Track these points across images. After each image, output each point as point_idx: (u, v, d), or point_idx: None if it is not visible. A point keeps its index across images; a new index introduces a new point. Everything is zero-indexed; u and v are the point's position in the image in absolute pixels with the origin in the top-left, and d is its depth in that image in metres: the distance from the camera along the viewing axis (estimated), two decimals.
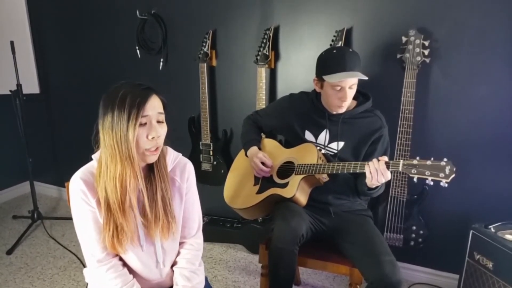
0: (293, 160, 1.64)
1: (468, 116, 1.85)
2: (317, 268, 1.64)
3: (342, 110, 1.58)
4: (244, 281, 2.13)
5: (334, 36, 1.91)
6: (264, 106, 2.08)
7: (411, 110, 1.77)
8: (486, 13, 1.71)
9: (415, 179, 1.32)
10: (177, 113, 2.46)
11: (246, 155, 1.80)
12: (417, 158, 1.32)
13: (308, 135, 1.67)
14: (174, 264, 1.22)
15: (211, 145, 2.36)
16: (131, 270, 1.15)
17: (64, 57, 2.86)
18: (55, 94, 2.99)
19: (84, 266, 2.11)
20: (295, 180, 1.57)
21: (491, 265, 1.63)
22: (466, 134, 1.86)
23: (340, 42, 1.88)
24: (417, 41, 1.74)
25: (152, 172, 1.10)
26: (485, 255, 1.65)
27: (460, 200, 1.93)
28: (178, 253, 1.22)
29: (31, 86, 2.70)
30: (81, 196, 1.04)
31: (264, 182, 1.70)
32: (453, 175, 1.25)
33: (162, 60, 2.46)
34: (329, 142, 1.63)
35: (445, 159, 1.27)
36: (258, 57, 2.07)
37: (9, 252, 2.38)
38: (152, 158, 1.05)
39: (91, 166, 1.09)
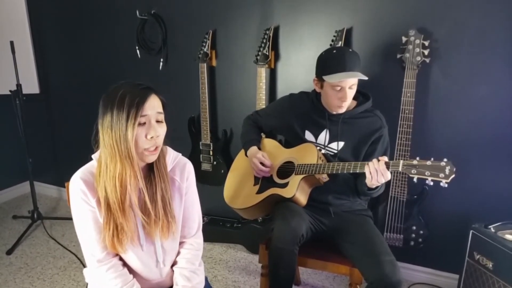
0: (293, 160, 1.64)
1: (468, 116, 1.85)
2: (317, 268, 1.64)
3: (342, 110, 1.58)
4: (244, 281, 2.13)
5: (334, 36, 1.91)
6: (264, 106, 2.08)
7: (411, 110, 1.77)
8: (486, 13, 1.71)
9: (415, 179, 1.32)
10: (177, 113, 2.46)
11: (246, 155, 1.80)
12: (417, 158, 1.32)
13: (308, 135, 1.67)
14: (174, 264, 1.22)
15: (211, 145, 2.36)
16: (131, 270, 1.15)
17: (64, 57, 2.86)
18: (55, 94, 2.99)
19: (84, 266, 2.11)
20: (295, 180, 1.57)
21: (491, 265, 1.63)
22: (466, 134, 1.86)
23: (340, 42, 1.88)
24: (417, 41, 1.74)
25: (152, 172, 1.10)
26: (485, 255, 1.65)
27: (460, 200, 1.93)
28: (178, 253, 1.22)
29: (31, 86, 2.70)
30: (81, 196, 1.04)
31: (264, 182, 1.70)
32: (453, 176, 1.25)
33: (162, 60, 2.46)
34: (329, 142, 1.63)
35: (445, 159, 1.27)
36: (258, 57, 2.07)
37: (9, 252, 2.38)
38: (151, 158, 1.05)
39: (91, 166, 1.09)
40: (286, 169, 1.66)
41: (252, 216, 1.82)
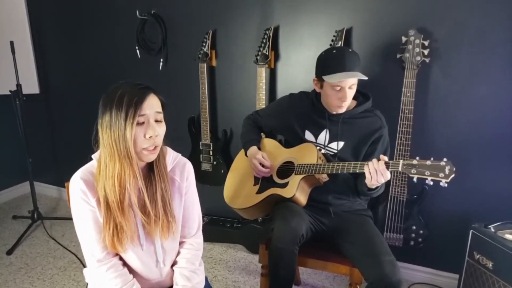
0: (293, 160, 1.64)
1: (468, 116, 1.85)
2: (317, 268, 1.64)
3: (342, 110, 1.58)
4: (244, 281, 2.13)
5: (334, 36, 1.91)
6: (264, 106, 2.08)
7: (411, 110, 1.77)
8: (486, 13, 1.71)
9: (414, 179, 1.32)
10: (177, 113, 2.46)
11: (246, 155, 1.80)
12: (417, 158, 1.32)
13: (308, 135, 1.67)
14: (174, 263, 1.22)
15: (211, 145, 2.37)
16: (131, 270, 1.15)
17: (64, 57, 2.86)
18: (55, 94, 2.99)
19: (84, 266, 2.11)
20: (295, 180, 1.57)
21: (491, 265, 1.63)
22: (466, 134, 1.86)
23: (340, 42, 1.88)
24: (417, 41, 1.74)
25: (152, 172, 1.11)
26: (485, 255, 1.65)
27: (460, 200, 1.93)
28: (178, 253, 1.22)
29: (31, 86, 2.70)
30: (81, 195, 1.05)
31: (264, 182, 1.70)
32: (453, 175, 1.25)
33: (162, 60, 2.46)
34: (329, 142, 1.63)
35: (444, 159, 1.27)
36: (258, 57, 2.07)
37: (9, 252, 2.38)
38: (150, 157, 1.05)
39: (91, 166, 1.09)
40: (286, 169, 1.66)
41: (252, 216, 1.82)
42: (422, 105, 1.89)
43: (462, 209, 1.94)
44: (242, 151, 1.87)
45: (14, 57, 2.41)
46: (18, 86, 2.47)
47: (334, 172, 1.49)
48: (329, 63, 1.53)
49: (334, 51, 1.55)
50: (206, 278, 1.28)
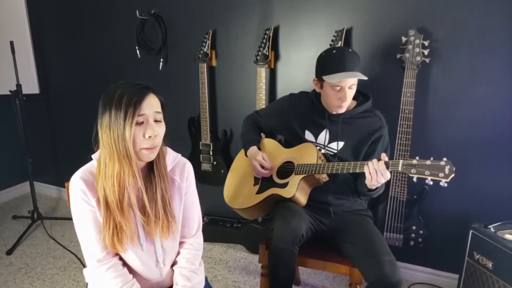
0: (293, 160, 1.64)
1: (468, 116, 1.85)
2: (317, 268, 1.64)
3: (342, 110, 1.58)
4: (244, 281, 2.13)
5: (334, 36, 1.91)
6: (264, 106, 2.08)
7: (411, 110, 1.77)
8: (486, 13, 1.71)
9: (414, 179, 1.32)
10: (177, 113, 2.46)
11: (246, 155, 1.80)
12: (417, 157, 1.32)
13: (308, 135, 1.67)
14: (174, 263, 1.22)
15: (211, 145, 2.37)
16: (131, 270, 1.15)
17: (64, 57, 2.86)
18: (55, 94, 2.99)
19: (84, 266, 2.11)
20: (294, 180, 1.57)
21: (490, 265, 1.63)
22: (466, 134, 1.86)
23: (340, 42, 1.88)
24: (417, 41, 1.74)
25: (152, 172, 1.11)
26: (485, 255, 1.65)
27: (460, 200, 1.93)
28: (178, 253, 1.22)
29: (31, 86, 2.70)
30: (81, 195, 1.05)
31: (264, 182, 1.70)
32: (453, 175, 1.25)
33: (162, 60, 2.46)
34: (329, 142, 1.63)
35: (444, 159, 1.27)
36: (258, 57, 2.07)
37: (9, 252, 2.38)
38: (150, 157, 1.05)
39: (91, 166, 1.09)
40: (286, 169, 1.66)
41: (252, 216, 1.82)
42: (422, 105, 1.89)
43: (462, 209, 1.94)
44: (242, 151, 1.87)
45: (14, 57, 2.41)
46: (18, 86, 2.47)
47: (334, 172, 1.49)
48: (329, 63, 1.53)
49: (334, 51, 1.55)
50: (206, 278, 1.28)
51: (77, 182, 1.05)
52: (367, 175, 1.38)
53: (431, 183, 1.29)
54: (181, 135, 2.46)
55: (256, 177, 1.74)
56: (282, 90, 2.21)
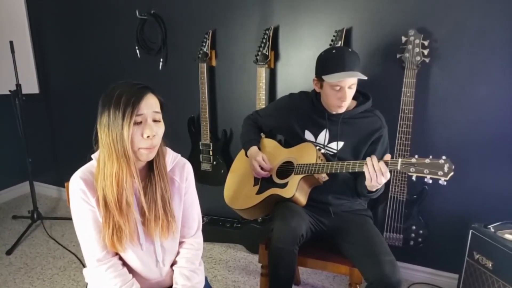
0: (292, 160, 1.64)
1: (468, 116, 1.84)
2: (317, 268, 1.64)
3: (342, 110, 1.58)
4: (244, 281, 2.13)
5: (334, 36, 1.91)
6: (264, 106, 2.08)
7: (410, 110, 1.77)
8: (486, 13, 1.71)
9: (413, 178, 1.31)
10: (177, 113, 2.46)
11: (246, 155, 1.80)
12: (416, 156, 1.31)
13: (308, 135, 1.67)
14: (174, 263, 1.22)
15: (211, 145, 2.36)
16: (131, 269, 1.15)
17: (64, 57, 2.86)
18: (55, 94, 2.99)
19: (84, 266, 2.11)
20: (294, 180, 1.57)
21: (490, 265, 1.63)
22: (466, 134, 1.86)
23: (340, 42, 1.88)
24: (417, 41, 1.74)
25: (151, 172, 1.11)
26: (485, 255, 1.65)
27: (460, 200, 1.93)
28: (178, 253, 1.23)
29: (31, 86, 2.70)
30: (81, 195, 1.05)
31: (263, 183, 1.70)
32: (452, 173, 1.25)
33: (161, 60, 2.46)
34: (329, 142, 1.63)
35: (443, 157, 1.27)
36: (258, 57, 2.07)
37: (9, 252, 2.38)
38: (149, 156, 1.05)
39: (90, 165, 1.09)
40: (286, 169, 1.66)
41: (252, 216, 1.82)
42: (422, 105, 1.89)
43: (462, 209, 1.94)
44: (242, 151, 1.87)
45: (14, 57, 2.41)
46: (18, 86, 2.47)
47: (333, 171, 1.49)
48: (328, 63, 1.53)
49: (334, 51, 1.55)
50: (206, 278, 1.28)
51: (77, 182, 1.05)
52: (366, 175, 1.38)
53: (430, 181, 1.28)
54: (181, 135, 2.46)
55: (256, 178, 1.74)
56: (282, 90, 2.21)
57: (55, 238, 2.56)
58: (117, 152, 1.00)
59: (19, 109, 2.50)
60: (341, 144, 1.61)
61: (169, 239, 1.16)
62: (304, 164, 1.56)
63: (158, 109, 1.05)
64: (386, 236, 1.94)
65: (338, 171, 1.48)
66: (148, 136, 1.01)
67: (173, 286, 1.18)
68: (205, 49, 2.23)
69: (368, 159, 1.38)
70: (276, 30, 2.13)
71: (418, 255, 2.08)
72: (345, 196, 1.67)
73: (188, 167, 1.21)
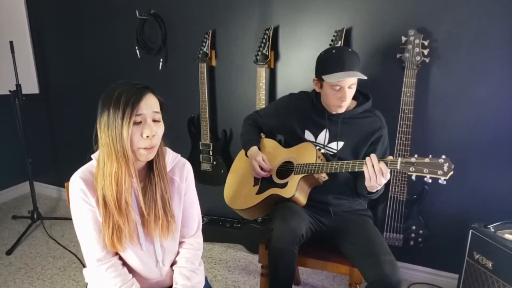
0: (292, 160, 1.64)
1: (468, 116, 1.84)
2: (317, 268, 1.63)
3: (342, 110, 1.58)
4: (244, 281, 2.13)
5: (334, 36, 1.91)
6: (264, 106, 2.08)
7: (410, 110, 1.77)
8: (486, 13, 1.71)
9: (413, 177, 1.31)
10: (176, 113, 2.46)
11: (246, 155, 1.80)
12: (415, 155, 1.31)
13: (308, 135, 1.67)
14: (174, 263, 1.22)
15: (211, 145, 2.36)
16: (130, 269, 1.15)
17: (64, 57, 2.86)
18: (54, 94, 2.99)
19: (84, 266, 2.11)
20: (294, 180, 1.57)
21: (490, 265, 1.63)
22: (466, 134, 1.86)
23: (340, 42, 1.88)
24: (417, 41, 1.74)
25: (151, 172, 1.11)
26: (485, 255, 1.65)
27: (460, 200, 1.93)
28: (178, 253, 1.23)
29: (31, 86, 2.70)
30: (81, 195, 1.05)
31: (263, 183, 1.70)
32: (452, 172, 1.25)
33: (161, 60, 2.46)
34: (329, 142, 1.63)
35: (443, 156, 1.27)
36: (258, 57, 2.07)
37: (9, 252, 2.38)
38: (147, 157, 1.05)
39: (90, 165, 1.09)
40: (286, 169, 1.66)
41: (252, 216, 1.82)
42: (422, 105, 1.89)
43: (462, 209, 1.94)
44: (242, 152, 1.87)
45: (14, 57, 2.41)
46: (18, 86, 2.47)
47: (333, 171, 1.49)
48: (328, 62, 1.53)
49: (334, 51, 1.55)
50: (205, 278, 1.28)
51: (76, 182, 1.05)
52: (366, 175, 1.38)
53: (430, 181, 1.28)
54: (181, 135, 2.46)
55: (256, 178, 1.74)
56: (282, 90, 2.21)
57: (55, 238, 2.56)
58: (117, 152, 1.00)
59: (19, 109, 2.50)
60: (341, 144, 1.61)
61: (169, 239, 1.16)
62: (304, 164, 1.56)
63: (158, 109, 1.05)
64: (386, 236, 1.94)
65: (338, 171, 1.48)
66: (147, 136, 1.01)
67: (173, 286, 1.18)
68: (205, 49, 2.23)
69: (367, 158, 1.38)
70: (276, 30, 2.13)
71: (418, 255, 2.08)
72: (345, 196, 1.67)
73: (188, 167, 1.21)
